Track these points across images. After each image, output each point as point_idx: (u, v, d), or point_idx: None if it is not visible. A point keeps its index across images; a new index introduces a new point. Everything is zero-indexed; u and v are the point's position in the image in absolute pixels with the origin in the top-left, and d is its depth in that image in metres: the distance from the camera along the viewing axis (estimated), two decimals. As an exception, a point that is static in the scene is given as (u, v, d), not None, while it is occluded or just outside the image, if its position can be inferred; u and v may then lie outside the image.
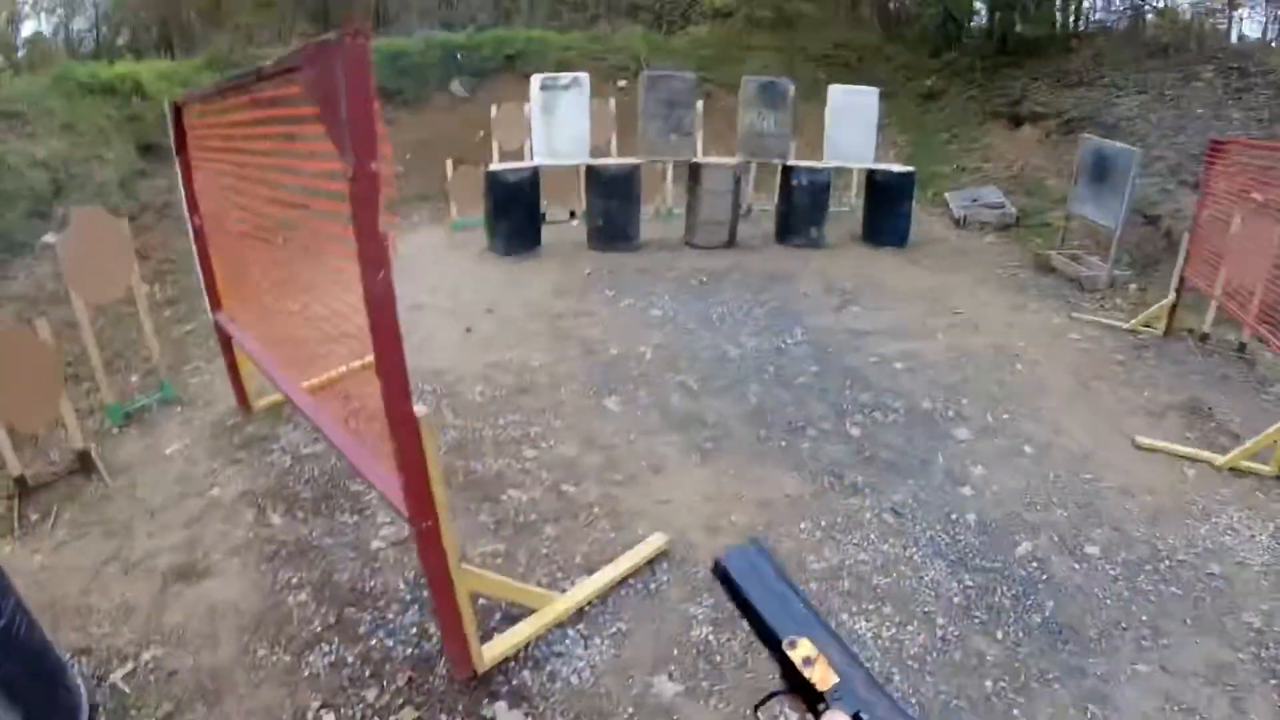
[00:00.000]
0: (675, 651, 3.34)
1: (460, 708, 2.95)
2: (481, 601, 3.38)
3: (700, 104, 11.18)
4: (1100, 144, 8.95)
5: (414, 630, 3.41)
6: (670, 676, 3.21)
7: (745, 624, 0.84)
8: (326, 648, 3.31)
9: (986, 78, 14.14)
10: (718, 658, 3.33)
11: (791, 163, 10.16)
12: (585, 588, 3.57)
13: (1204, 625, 3.94)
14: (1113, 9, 15.17)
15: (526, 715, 2.95)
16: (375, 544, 4.00)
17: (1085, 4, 15.31)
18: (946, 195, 11.56)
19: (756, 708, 0.77)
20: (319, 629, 3.41)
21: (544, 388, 5.87)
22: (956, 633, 3.69)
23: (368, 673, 3.15)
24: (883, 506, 4.66)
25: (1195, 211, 7.32)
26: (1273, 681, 3.64)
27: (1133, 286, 8.58)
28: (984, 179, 12.00)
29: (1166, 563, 4.38)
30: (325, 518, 4.19)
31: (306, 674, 3.19)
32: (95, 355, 5.15)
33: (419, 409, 2.65)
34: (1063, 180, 9.97)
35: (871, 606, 3.78)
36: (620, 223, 9.68)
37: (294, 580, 3.74)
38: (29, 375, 4.34)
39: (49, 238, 4.95)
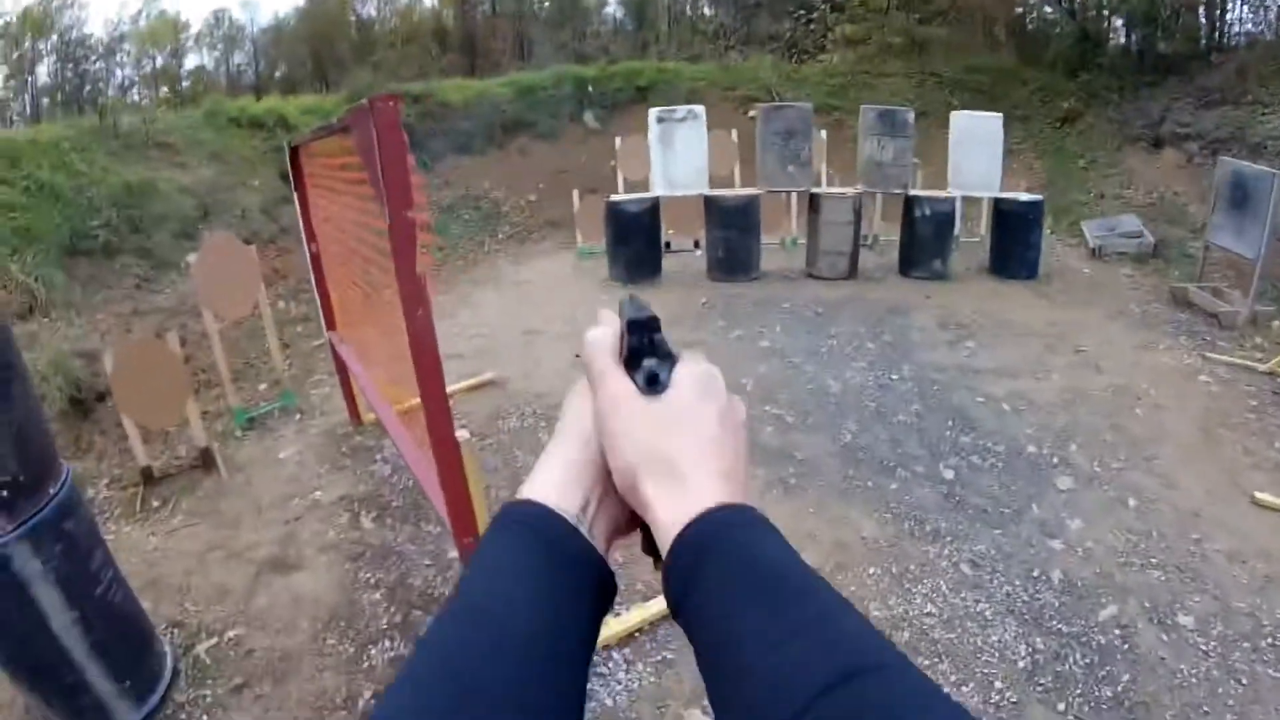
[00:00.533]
0: None
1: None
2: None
3: (824, 134, 11.09)
4: (1238, 167, 8.27)
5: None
6: (704, 710, 3.18)
7: None
8: (389, 644, 3.49)
9: (1125, 99, 13.30)
10: None
11: (914, 192, 9.92)
12: (639, 614, 3.63)
13: None
14: (1261, 19, 13.99)
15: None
16: (451, 554, 4.10)
17: (1230, 14, 14.20)
18: (1083, 224, 10.93)
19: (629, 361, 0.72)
20: (385, 626, 3.60)
21: None
22: (1014, 699, 3.47)
23: None
24: (961, 556, 4.42)
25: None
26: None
27: (1277, 323, 7.89)
28: (1123, 206, 11.29)
29: (1270, 640, 4.00)
30: (411, 525, 4.36)
31: (366, 665, 3.39)
32: (223, 364, 5.63)
33: (461, 434, 2.77)
34: (1204, 207, 9.21)
35: (928, 662, 3.59)
36: (739, 253, 9.60)
37: (372, 580, 3.94)
38: (159, 380, 4.82)
39: (191, 258, 5.40)
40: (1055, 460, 5.60)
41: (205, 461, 5.18)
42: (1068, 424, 6.06)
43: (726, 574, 0.52)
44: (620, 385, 0.64)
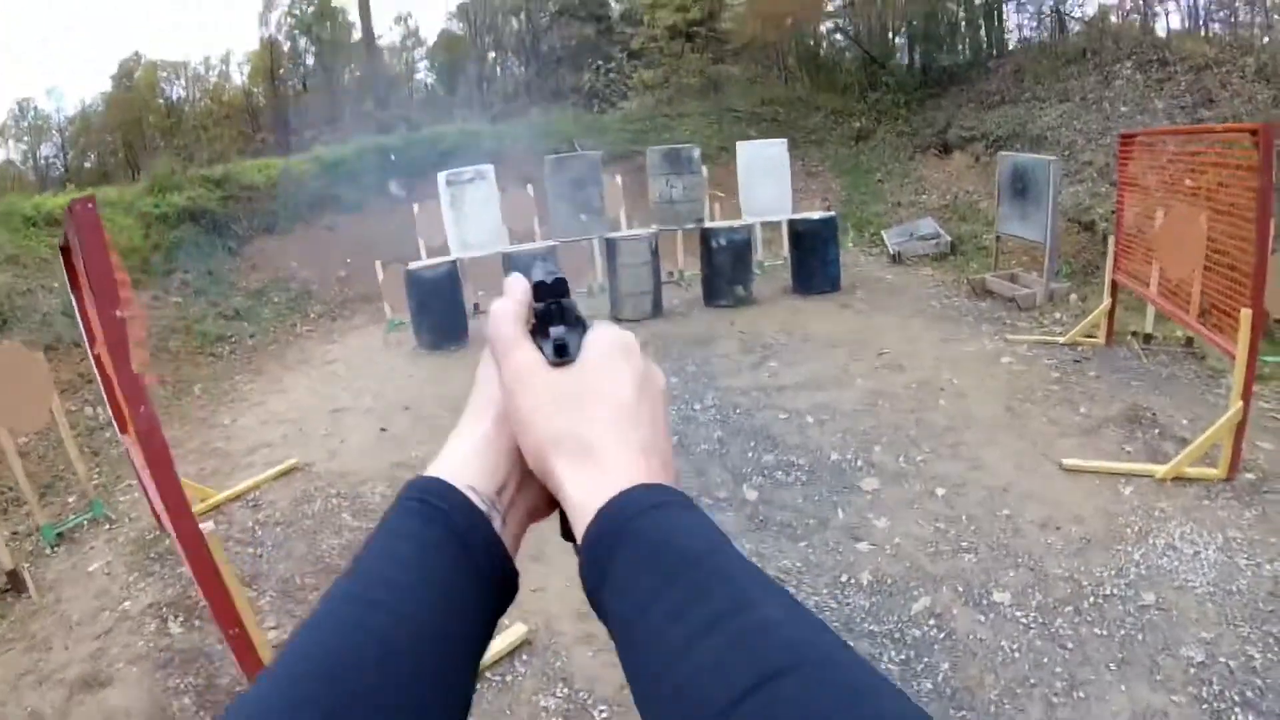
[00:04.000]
0: None
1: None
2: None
3: (619, 179, 11.14)
4: (1016, 159, 8.66)
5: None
6: None
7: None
8: None
9: (913, 112, 14.13)
10: None
11: (708, 225, 10.05)
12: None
13: (1133, 668, 3.42)
14: (1038, 24, 15.15)
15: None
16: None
17: (1009, 22, 15.32)
18: (883, 233, 11.21)
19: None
20: None
21: None
22: None
23: None
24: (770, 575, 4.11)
25: (1116, 210, 6.91)
26: (1214, 727, 3.05)
27: (1074, 297, 8.14)
28: (920, 211, 11.72)
29: (1090, 600, 3.86)
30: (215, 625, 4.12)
31: None
32: (23, 480, 5.37)
33: (205, 526, 2.79)
34: (994, 201, 9.60)
35: None
36: None
37: (181, 686, 3.83)
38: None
39: (-18, 372, 5.05)
40: (860, 464, 5.42)
41: (14, 584, 4.92)
42: (872, 427, 5.92)
43: (638, 562, 0.49)
44: (527, 356, 0.60)
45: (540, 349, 0.61)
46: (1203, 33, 13.53)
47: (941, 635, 3.74)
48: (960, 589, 4.03)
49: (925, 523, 4.63)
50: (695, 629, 0.43)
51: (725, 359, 7.84)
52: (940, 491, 4.94)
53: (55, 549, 5.44)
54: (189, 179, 12.41)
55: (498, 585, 0.55)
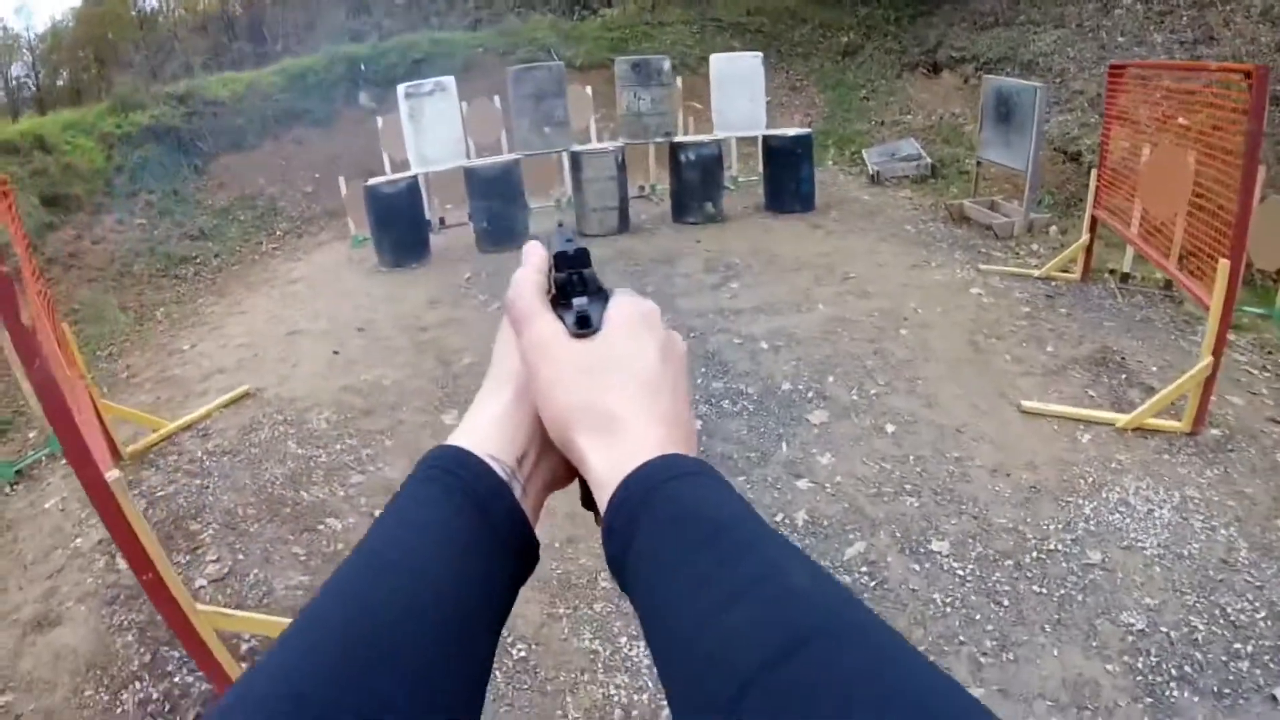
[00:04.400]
0: None
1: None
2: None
3: (589, 89, 10.73)
4: (1001, 84, 8.23)
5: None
6: None
7: None
8: (138, 686, 3.39)
9: (903, 28, 13.55)
10: None
11: (677, 139, 9.65)
12: None
13: (1068, 631, 3.24)
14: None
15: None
16: (199, 582, 3.93)
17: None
18: (864, 152, 10.79)
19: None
20: (136, 668, 3.49)
21: (388, 407, 5.52)
22: None
23: (168, 708, 3.25)
24: None
25: (1101, 142, 6.55)
26: (1146, 700, 2.86)
27: (1053, 229, 7.82)
28: (904, 132, 11.28)
29: (1033, 554, 3.65)
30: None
31: (119, 711, 3.30)
32: None
33: (111, 474, 2.70)
34: (978, 126, 9.20)
35: (640, 631, 3.07)
36: (505, 221, 9.18)
37: (124, 622, 3.79)
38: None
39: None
40: (810, 395, 5.16)
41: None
42: (828, 355, 5.66)
43: (663, 531, 0.48)
44: (548, 327, 0.60)
45: (561, 319, 0.60)
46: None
47: (873, 583, 3.56)
48: (898, 535, 3.83)
49: (870, 461, 4.41)
50: (724, 595, 0.43)
51: (686, 278, 7.53)
52: (890, 429, 4.70)
53: (15, 487, 5.31)
54: (152, 97, 12.05)
55: (518, 553, 0.55)
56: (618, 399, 0.56)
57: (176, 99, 12.00)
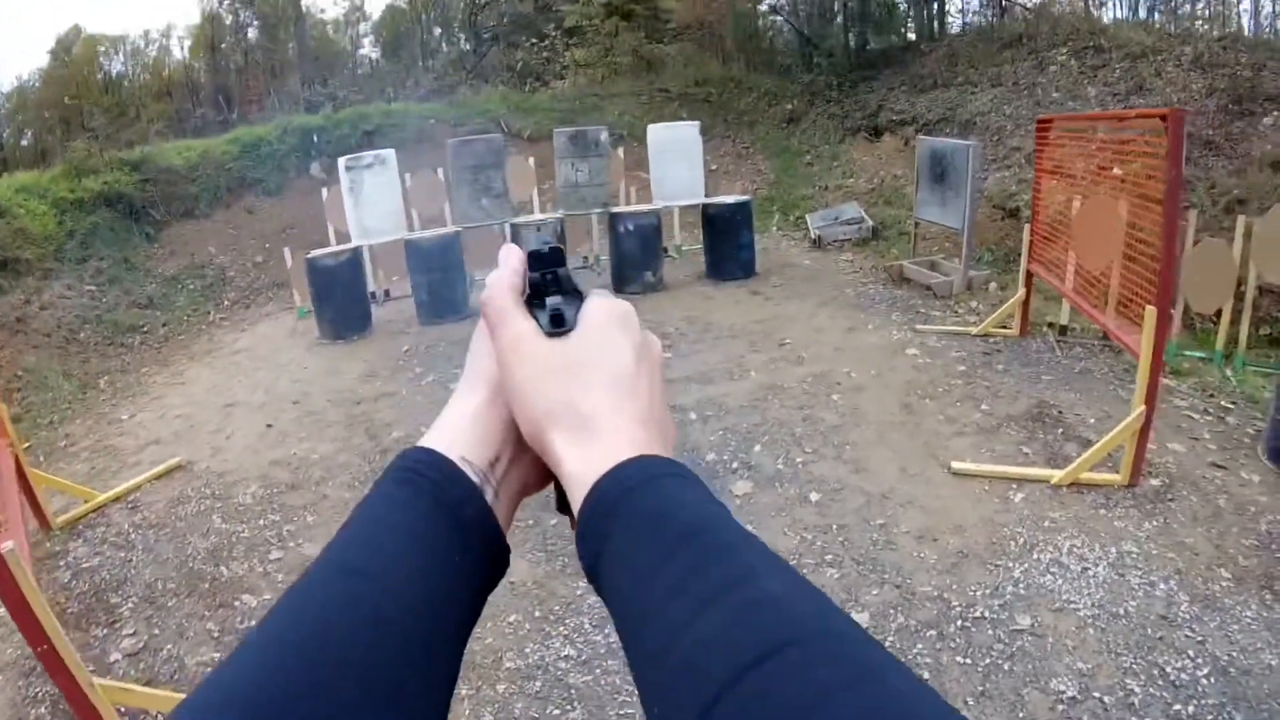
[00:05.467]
0: None
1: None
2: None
3: (531, 161, 10.78)
4: (935, 144, 8.27)
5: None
6: None
7: None
8: None
9: (845, 94, 13.77)
10: None
11: (615, 210, 9.66)
12: None
13: (993, 703, 3.04)
14: (976, 10, 14.89)
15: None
16: (114, 655, 3.88)
17: (949, 6, 15.02)
18: (807, 217, 10.78)
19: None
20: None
21: (314, 482, 5.42)
22: None
23: None
24: None
25: (1033, 196, 6.52)
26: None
27: (993, 286, 7.76)
28: (847, 195, 11.33)
29: (958, 623, 3.44)
30: (82, 631, 4.12)
31: None
32: None
33: (5, 545, 2.75)
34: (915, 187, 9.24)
35: (557, 712, 3.22)
36: (444, 293, 9.10)
37: (40, 694, 3.73)
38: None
39: None
40: (735, 465, 4.98)
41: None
42: (756, 424, 5.49)
43: (637, 534, 0.48)
44: (522, 326, 0.59)
45: (536, 319, 0.59)
46: (1147, 19, 13.28)
47: None
48: None
49: (792, 532, 4.21)
50: (696, 602, 0.42)
51: (621, 349, 7.35)
52: (815, 497, 4.51)
53: None
54: (106, 162, 12.04)
55: (489, 558, 0.54)
56: (593, 399, 0.55)
57: (130, 165, 12.03)
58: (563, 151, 9.66)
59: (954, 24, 16.07)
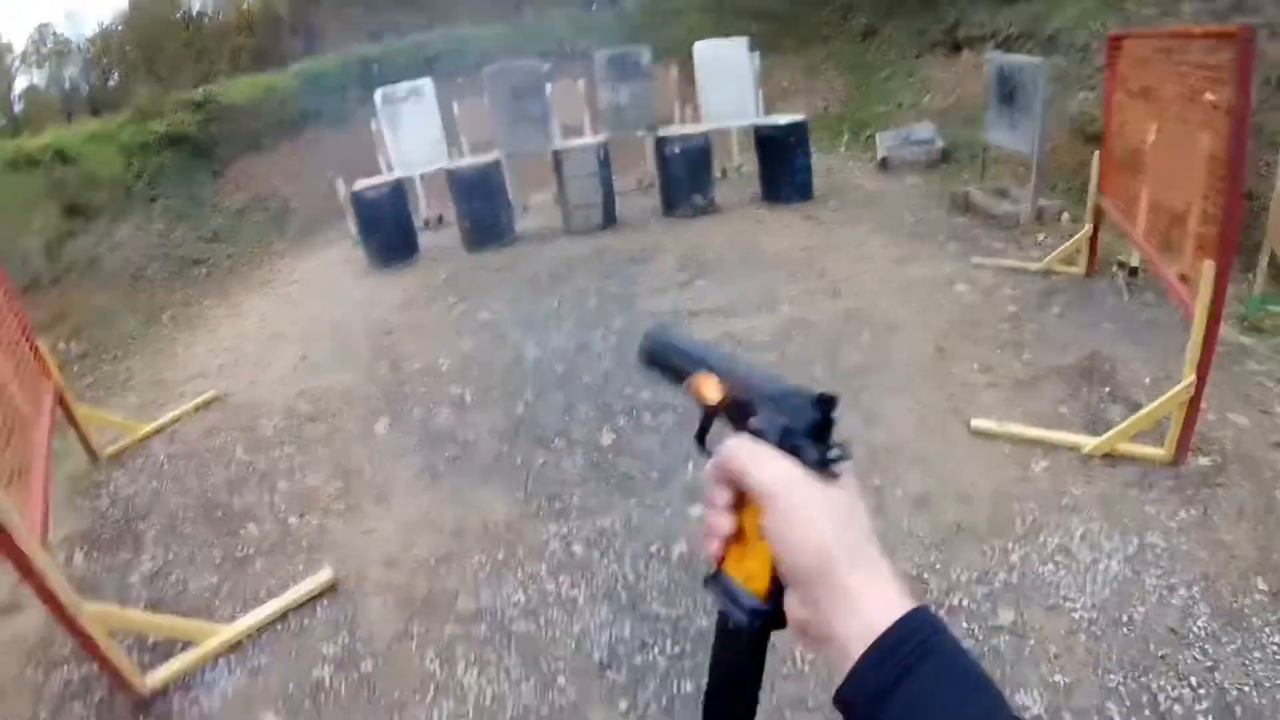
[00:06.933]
0: (291, 688, 3.25)
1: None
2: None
3: (581, 83, 10.34)
4: (1003, 61, 7.48)
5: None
6: (276, 711, 3.16)
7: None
8: (66, 669, 3.53)
9: (924, 6, 12.65)
10: (322, 697, 3.19)
11: (661, 132, 9.18)
12: (246, 621, 3.62)
13: None
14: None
15: (161, 737, 3.07)
16: (132, 578, 4.07)
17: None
18: (877, 136, 10.06)
19: (700, 438, 0.78)
20: (66, 653, 3.58)
21: (331, 414, 5.46)
22: (572, 700, 2.99)
23: (84, 689, 3.40)
24: (580, 535, 3.87)
25: (1104, 120, 5.80)
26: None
27: (1065, 217, 7.05)
28: (921, 114, 10.53)
29: (936, 609, 2.94)
30: (110, 556, 4.33)
31: (47, 691, 3.45)
32: None
33: None
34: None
35: (495, 657, 3.24)
36: (487, 221, 8.99)
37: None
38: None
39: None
40: None
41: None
42: (773, 363, 5.10)
43: (941, 679, 0.53)
44: (789, 466, 0.63)
45: (800, 460, 0.63)
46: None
47: None
48: None
49: (781, 490, 3.80)
50: None
51: (656, 277, 7.03)
52: (814, 451, 4.08)
53: (9, 486, 5.39)
54: (171, 104, 12.52)
55: None
56: (871, 542, 0.61)
57: (195, 105, 12.41)
58: (603, 74, 9.32)
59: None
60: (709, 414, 0.74)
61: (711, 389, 0.74)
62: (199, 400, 5.90)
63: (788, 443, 0.63)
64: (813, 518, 0.60)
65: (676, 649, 3.08)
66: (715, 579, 0.69)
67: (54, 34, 26.02)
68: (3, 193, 9.71)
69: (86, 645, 3.10)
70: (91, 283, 8.91)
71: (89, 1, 47.70)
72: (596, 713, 2.90)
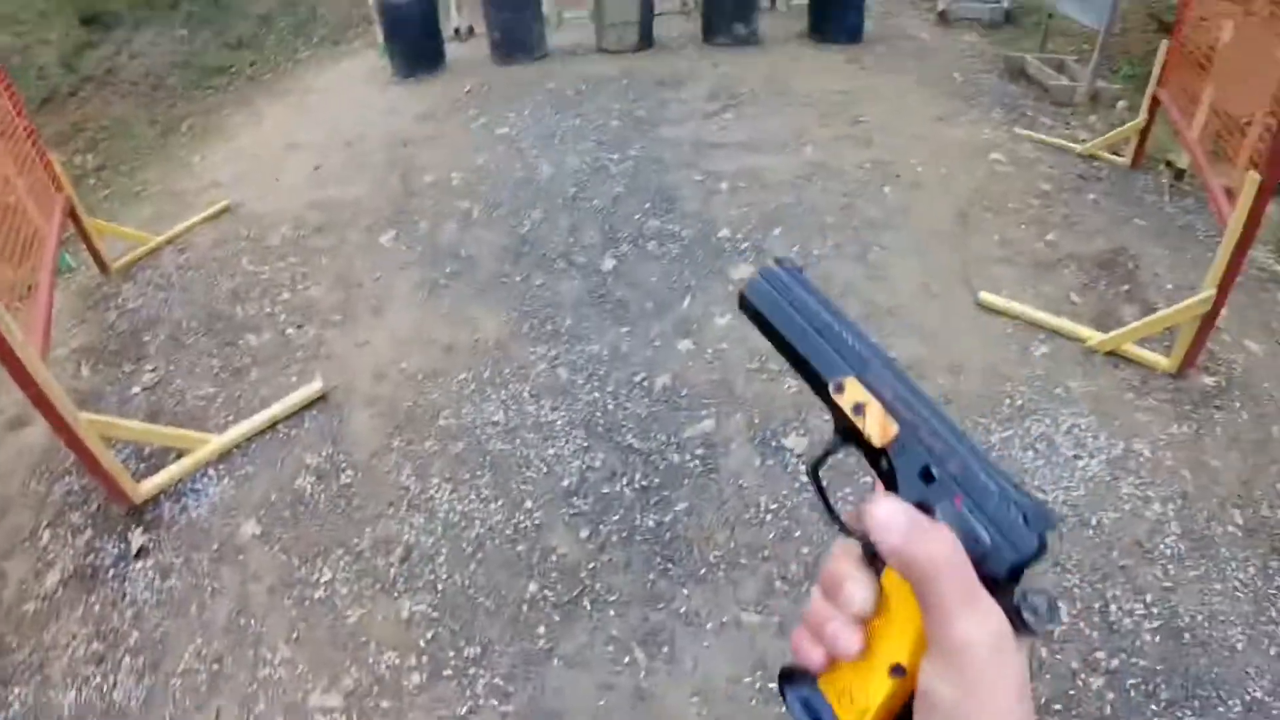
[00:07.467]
0: (273, 497, 3.36)
1: (118, 530, 3.32)
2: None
3: None
4: (1087, -77, 6.87)
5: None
6: (258, 519, 3.27)
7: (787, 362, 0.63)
8: (67, 480, 3.63)
9: None
10: (301, 507, 3.30)
11: None
12: (238, 430, 3.69)
13: None
14: None
15: (149, 540, 3.25)
16: (134, 389, 4.11)
17: None
18: (943, -19, 9.46)
19: (813, 471, 0.60)
20: (69, 464, 3.66)
21: (340, 225, 5.38)
22: (537, 523, 3.08)
23: (84, 499, 3.49)
24: (566, 359, 3.87)
25: (1177, 11, 5.38)
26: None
27: (1121, 103, 6.68)
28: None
29: None
30: (114, 368, 4.35)
31: (50, 499, 3.56)
32: None
33: None
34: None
35: (468, 475, 3.32)
36: (517, 33, 8.52)
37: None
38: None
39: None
40: (745, 247, 4.50)
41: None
42: (789, 204, 4.92)
43: None
44: (1002, 621, 0.46)
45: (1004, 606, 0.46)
46: None
47: (699, 469, 3.14)
48: (756, 421, 3.32)
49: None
50: None
51: (683, 105, 6.71)
52: (814, 300, 3.97)
53: (23, 300, 5.40)
54: None
55: None
56: None
57: None
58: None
59: None
60: (859, 447, 0.54)
61: (878, 422, 0.54)
62: (210, 211, 5.82)
63: (998, 576, 0.46)
64: (1005, 706, 0.44)
65: (644, 482, 3.09)
66: (797, 688, 0.53)
67: None
68: (21, 5, 9.31)
69: (82, 455, 3.18)
70: (110, 93, 8.66)
71: None
72: (558, 537, 2.95)
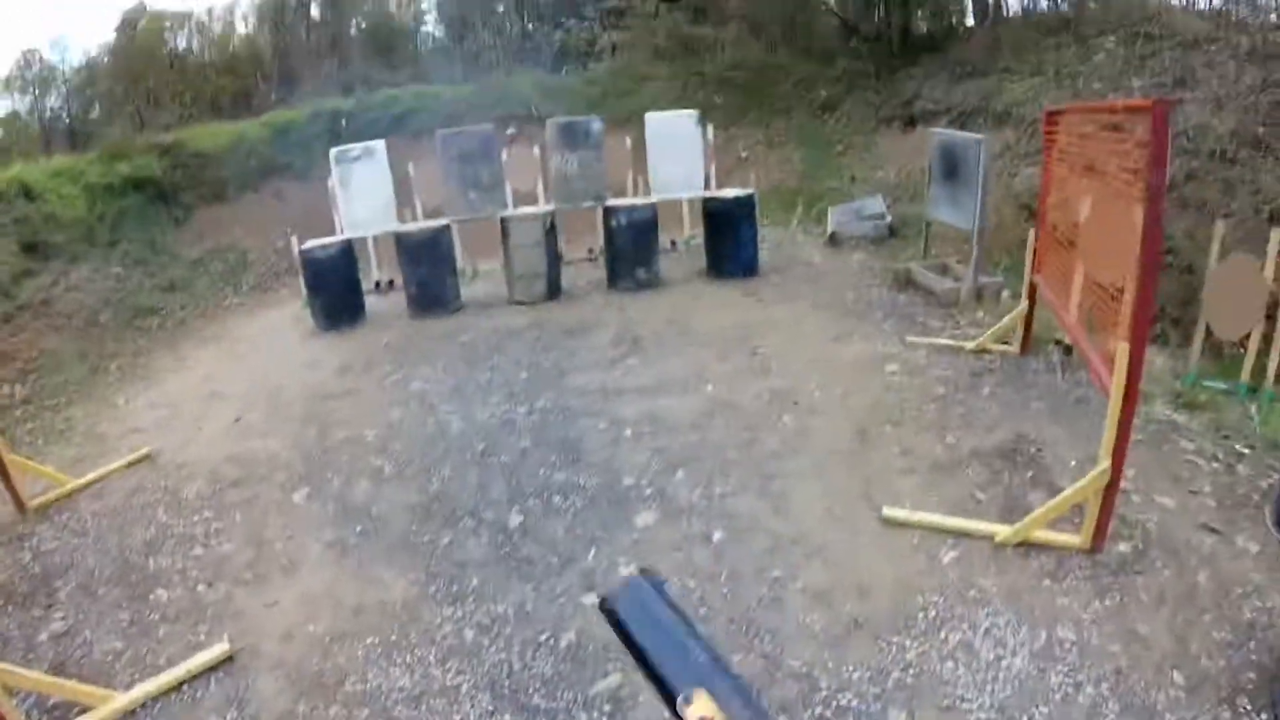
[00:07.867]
0: None
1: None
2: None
3: (537, 149, 10.38)
4: (945, 137, 7.59)
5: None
6: None
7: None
8: None
9: (883, 81, 12.99)
10: None
11: (610, 203, 9.16)
12: (140, 689, 3.56)
13: None
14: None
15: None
16: (42, 636, 3.98)
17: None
18: (829, 210, 10.11)
19: None
20: None
21: (255, 481, 5.36)
22: None
23: None
24: (473, 619, 3.75)
25: (1040, 197, 5.80)
26: None
27: (1005, 295, 7.02)
28: (874, 188, 10.61)
29: (817, 709, 2.96)
30: (24, 611, 4.26)
31: None
32: None
33: None
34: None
35: None
36: (433, 287, 8.90)
37: None
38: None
39: None
40: (650, 492, 4.51)
41: None
42: (690, 445, 5.00)
43: None
44: None
45: None
46: (1203, 4, 12.19)
47: None
48: None
49: (676, 578, 3.73)
50: None
51: (590, 352, 6.95)
52: (718, 536, 4.02)
53: None
54: (138, 147, 12.40)
55: None
56: None
57: (162, 149, 12.26)
58: (555, 143, 9.19)
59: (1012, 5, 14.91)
60: None
61: None
62: (131, 458, 5.82)
63: None
64: None
65: (552, 744, 2.92)
66: None
67: (39, 60, 25.93)
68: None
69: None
70: (44, 325, 8.80)
71: (75, 29, 47.85)
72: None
